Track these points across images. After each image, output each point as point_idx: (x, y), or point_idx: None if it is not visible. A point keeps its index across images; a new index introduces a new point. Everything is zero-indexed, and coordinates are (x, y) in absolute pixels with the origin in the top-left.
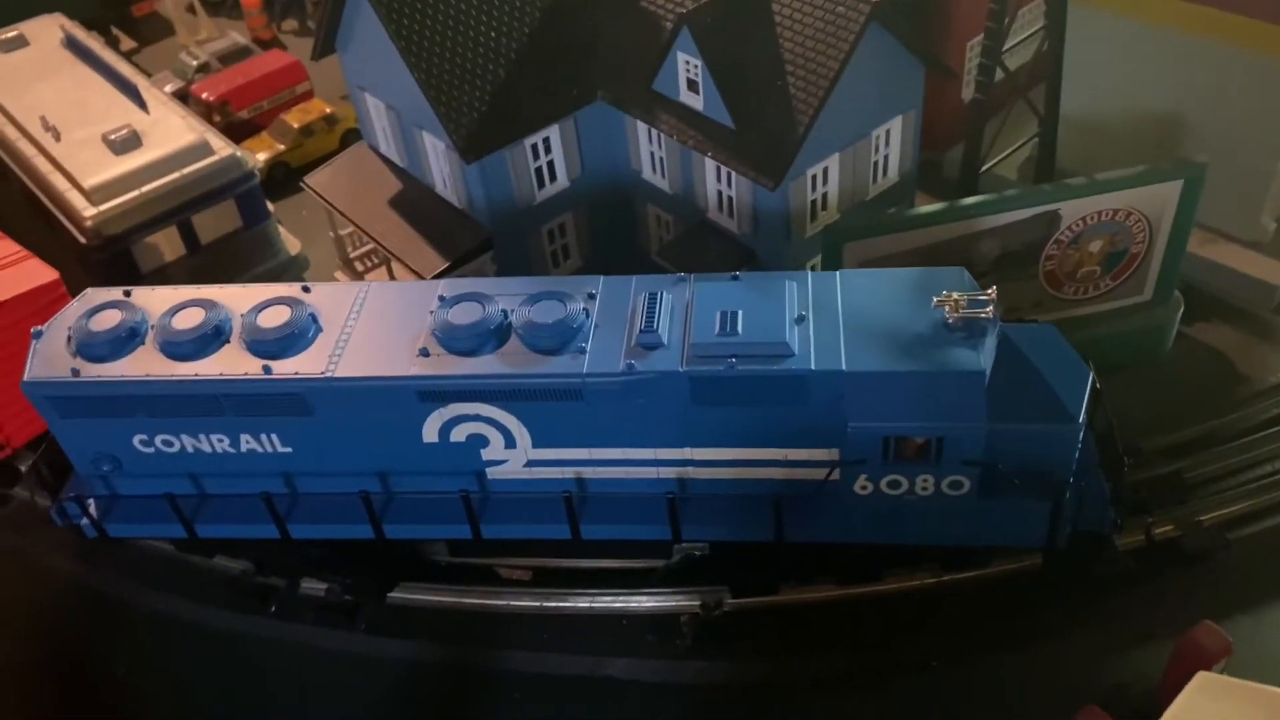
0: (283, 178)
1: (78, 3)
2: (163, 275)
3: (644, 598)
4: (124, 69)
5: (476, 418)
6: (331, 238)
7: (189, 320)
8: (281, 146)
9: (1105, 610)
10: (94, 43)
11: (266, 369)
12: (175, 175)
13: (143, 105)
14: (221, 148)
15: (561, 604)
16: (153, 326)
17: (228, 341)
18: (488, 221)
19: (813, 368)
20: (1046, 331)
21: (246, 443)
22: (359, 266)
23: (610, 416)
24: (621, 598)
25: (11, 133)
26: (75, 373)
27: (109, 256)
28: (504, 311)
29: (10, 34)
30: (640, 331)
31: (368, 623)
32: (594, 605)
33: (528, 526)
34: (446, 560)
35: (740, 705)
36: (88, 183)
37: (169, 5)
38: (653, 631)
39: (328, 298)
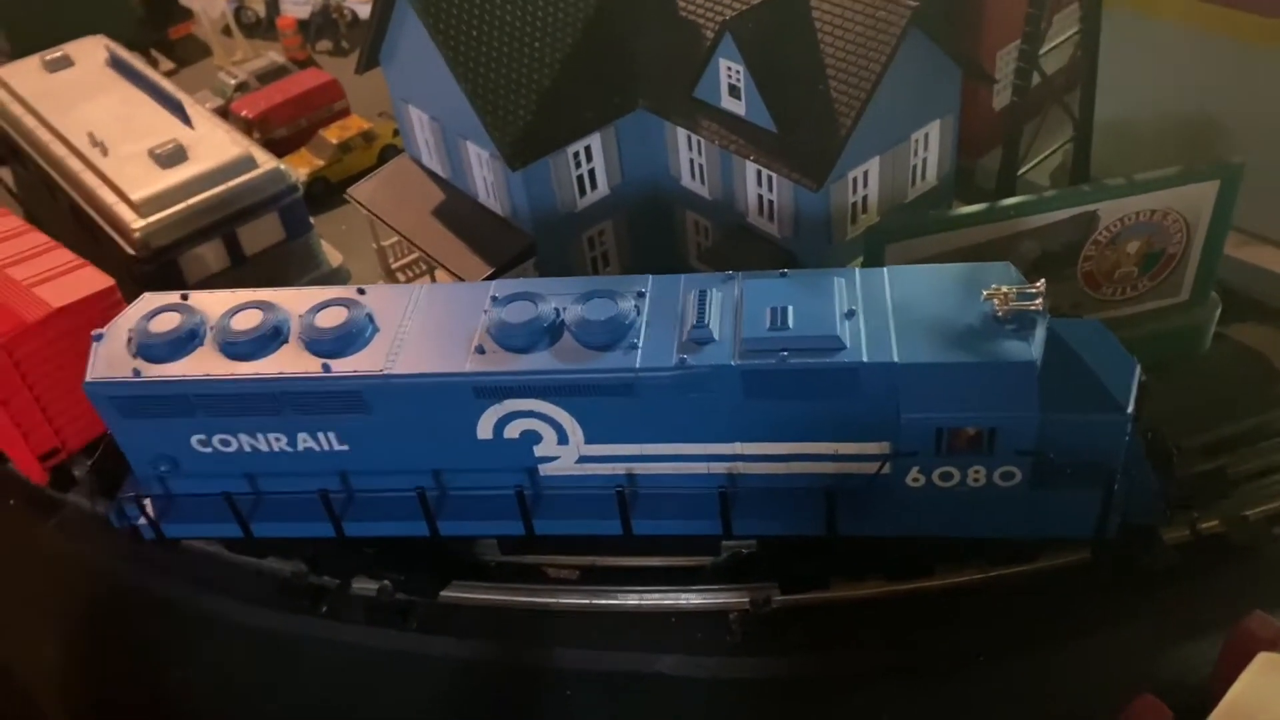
0: (322, 193)
1: (117, 25)
2: (208, 287)
3: (693, 594)
4: (168, 86)
5: (530, 414)
6: (374, 249)
7: (248, 321)
8: (320, 162)
9: (1153, 604)
10: (138, 62)
11: (325, 367)
12: (221, 188)
13: (187, 121)
14: (265, 161)
15: (611, 601)
16: (212, 328)
17: (286, 342)
18: (531, 228)
19: (865, 359)
20: (1092, 326)
21: (303, 441)
22: (401, 277)
23: (662, 411)
24: (671, 594)
25: (59, 150)
26: (136, 373)
27: (156, 268)
28: (556, 309)
29: (56, 55)
30: (692, 327)
31: (419, 622)
32: (643, 602)
33: (580, 522)
34: (497, 560)
35: (790, 701)
36: (136, 195)
37: (206, 28)
38: (702, 628)
39: (382, 299)
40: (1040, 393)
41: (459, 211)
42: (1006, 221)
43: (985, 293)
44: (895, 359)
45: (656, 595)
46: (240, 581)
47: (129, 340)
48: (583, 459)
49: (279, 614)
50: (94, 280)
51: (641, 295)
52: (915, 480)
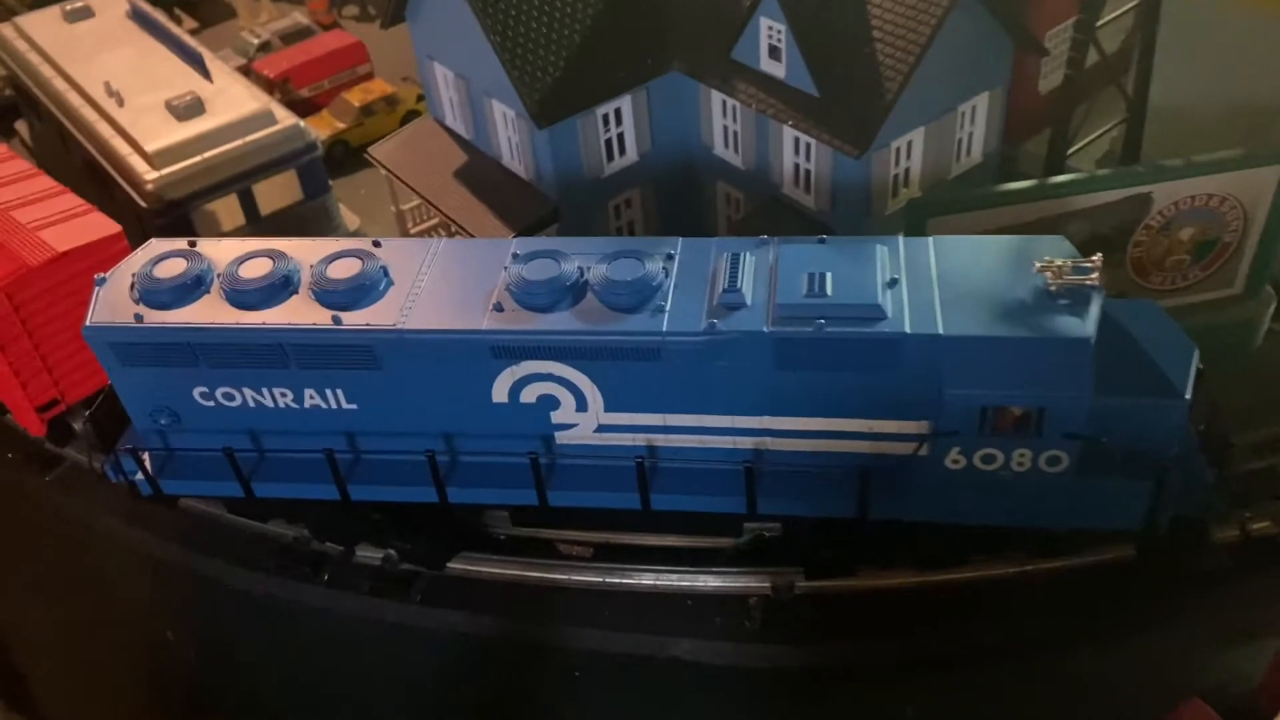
0: (342, 156)
1: None
2: None
3: (711, 577)
4: (188, 39)
5: (549, 377)
6: (393, 212)
7: (257, 269)
8: (342, 125)
9: (1201, 605)
10: (159, 14)
11: (336, 319)
12: (238, 142)
13: (206, 74)
14: (284, 117)
15: (625, 580)
16: (219, 275)
17: (296, 292)
18: (555, 193)
19: (907, 331)
20: (1148, 307)
21: (310, 398)
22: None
23: (688, 379)
24: (688, 576)
25: (75, 100)
26: (139, 318)
27: (168, 222)
28: (580, 269)
29: (77, 5)
30: (723, 291)
31: (424, 594)
32: (659, 583)
33: (597, 495)
34: (507, 533)
35: (809, 691)
36: (150, 147)
37: None
38: (720, 612)
39: (398, 252)
40: (1093, 374)
41: (481, 174)
42: (1055, 200)
43: (1038, 265)
44: (940, 331)
45: (673, 576)
46: (240, 545)
47: (132, 285)
48: (602, 428)
49: (279, 580)
50: (101, 225)
51: (670, 257)
52: (955, 462)
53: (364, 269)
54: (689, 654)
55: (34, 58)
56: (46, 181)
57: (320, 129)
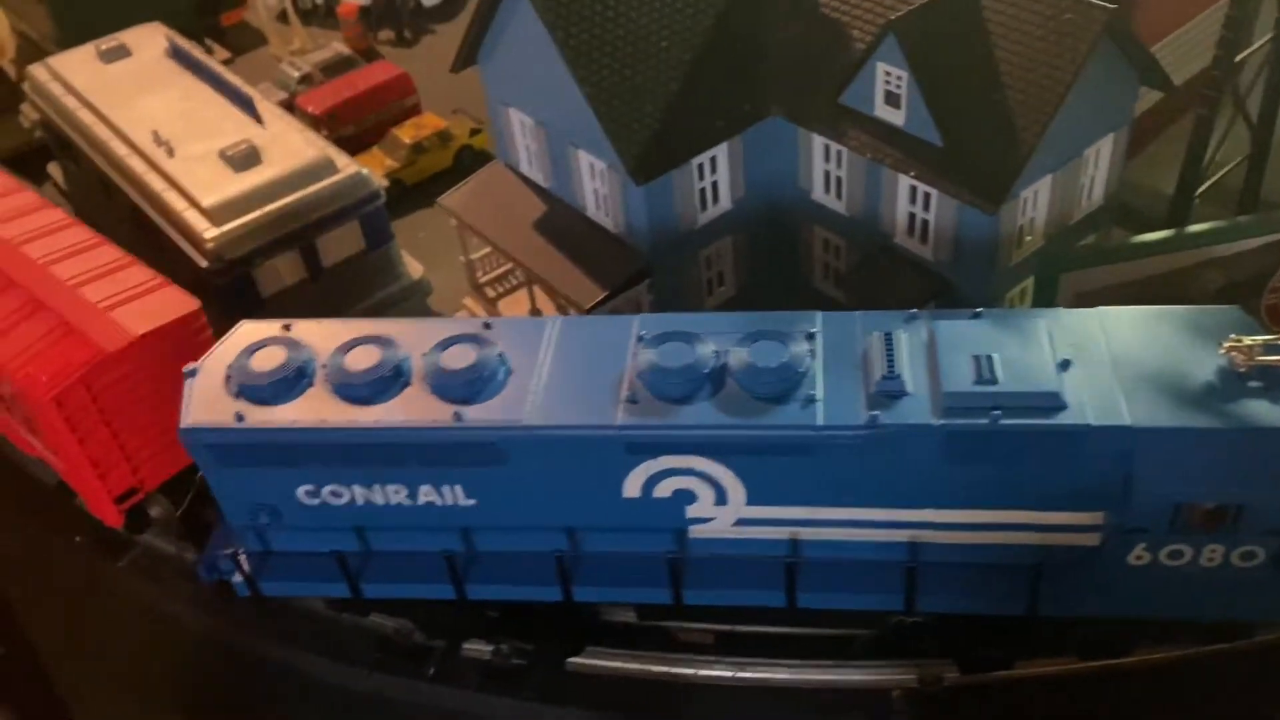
0: (394, 196)
1: (170, 11)
2: (283, 300)
3: (852, 669)
4: (234, 80)
5: (686, 471)
6: (462, 262)
7: (364, 359)
8: (394, 164)
9: None
10: (200, 52)
11: (458, 416)
12: (299, 194)
13: (257, 118)
14: (345, 165)
15: (758, 674)
16: (323, 365)
17: (408, 384)
18: (648, 247)
19: (1092, 423)
20: None
21: (426, 495)
22: (490, 292)
23: (843, 473)
24: (827, 669)
25: (119, 147)
26: (240, 418)
27: (230, 280)
28: (716, 353)
29: (112, 44)
30: (881, 379)
31: (539, 689)
32: (795, 677)
33: (735, 592)
34: (626, 622)
35: None
36: (208, 201)
37: (261, 14)
38: (860, 707)
39: (513, 335)
40: None
41: (564, 226)
42: (1194, 250)
43: (1225, 345)
44: (1128, 422)
45: (811, 669)
46: (335, 638)
47: (228, 379)
48: (742, 521)
49: (379, 675)
50: (177, 302)
51: (812, 336)
52: (1139, 559)
53: (480, 356)
54: None
55: (70, 100)
56: (112, 251)
57: (371, 167)
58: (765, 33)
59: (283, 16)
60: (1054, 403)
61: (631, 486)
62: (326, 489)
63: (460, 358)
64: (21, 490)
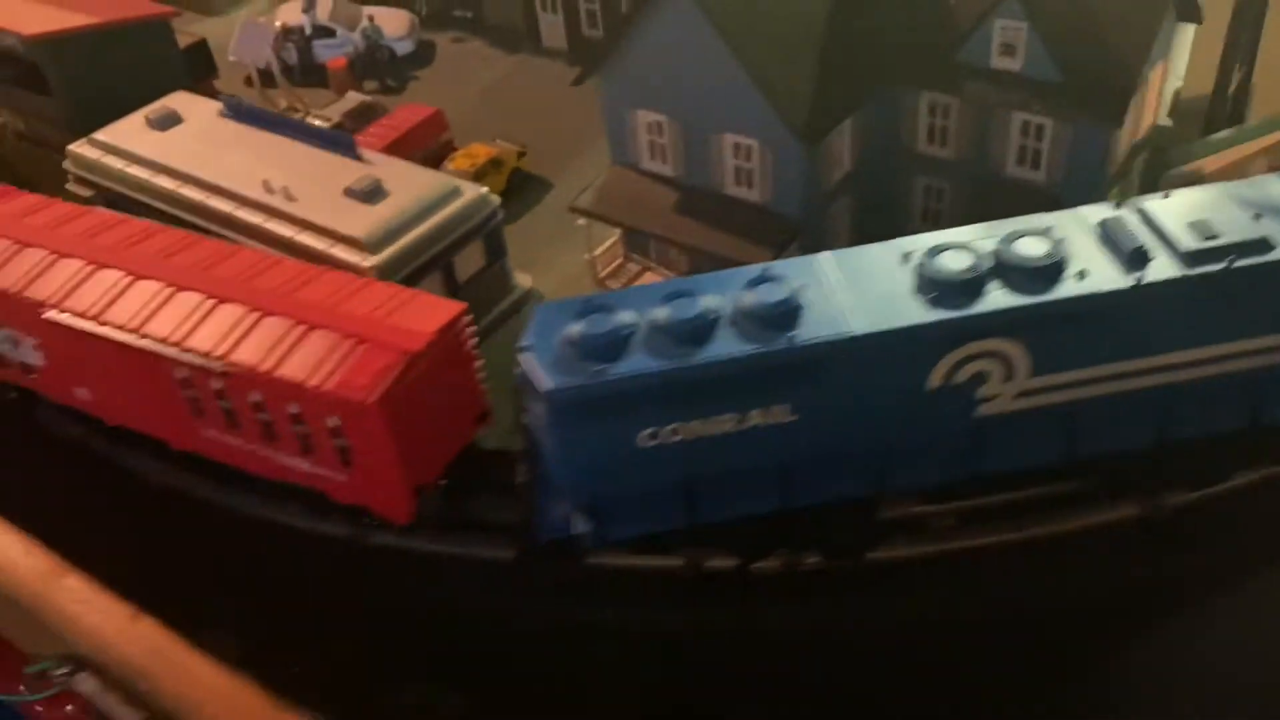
0: None
1: (166, 84)
2: None
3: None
4: (321, 125)
5: (982, 355)
6: (585, 259)
7: (683, 310)
8: None
9: None
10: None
11: (790, 338)
12: (438, 218)
13: (357, 156)
14: (469, 188)
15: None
16: (644, 321)
17: (729, 321)
18: (799, 211)
19: None
20: None
21: (753, 419)
22: (614, 284)
23: (1111, 331)
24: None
25: (223, 204)
26: (599, 373)
27: None
28: (991, 253)
29: (160, 112)
30: (1133, 250)
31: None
32: (1045, 531)
33: (1022, 457)
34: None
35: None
36: (359, 234)
37: (256, 80)
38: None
39: (794, 272)
40: None
41: (704, 205)
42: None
43: None
44: None
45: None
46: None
47: (568, 344)
48: (1023, 393)
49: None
50: (441, 305)
51: (1050, 229)
52: None
53: (789, 290)
54: None
55: (138, 170)
56: (299, 265)
57: None
58: (875, 10)
59: (269, 80)
60: (1268, 245)
61: (936, 377)
62: (666, 429)
63: (771, 293)
64: None
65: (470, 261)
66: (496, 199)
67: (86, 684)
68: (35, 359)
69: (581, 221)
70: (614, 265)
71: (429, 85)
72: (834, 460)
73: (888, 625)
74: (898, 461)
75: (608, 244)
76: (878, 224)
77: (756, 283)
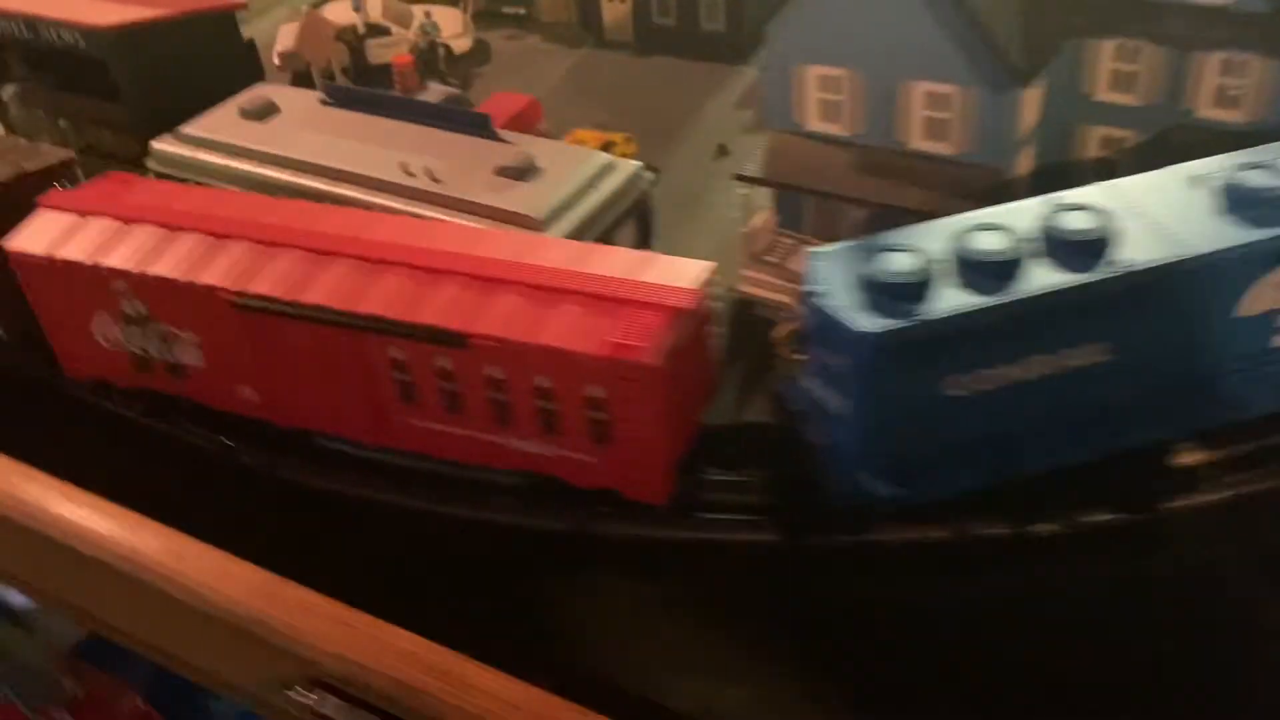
0: None
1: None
2: None
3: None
4: (441, 102)
5: None
6: (743, 233)
7: (992, 241)
8: None
9: None
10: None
11: (1114, 264)
12: (604, 192)
13: (494, 135)
14: (623, 162)
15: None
16: (946, 253)
17: (1040, 255)
18: (1001, 161)
19: None
20: None
21: (1069, 358)
22: (770, 259)
23: None
24: None
25: (353, 192)
26: (912, 314)
27: None
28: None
29: (255, 101)
30: None
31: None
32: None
33: None
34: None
35: None
36: (530, 211)
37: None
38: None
39: (1084, 200)
40: None
41: (890, 162)
42: None
43: None
44: None
45: None
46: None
47: (867, 286)
48: None
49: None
50: (687, 265)
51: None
52: None
53: (1097, 222)
54: None
55: (242, 163)
56: (526, 234)
57: None
58: None
59: (345, 73)
60: None
61: (1247, 304)
62: (976, 375)
63: (1083, 220)
64: None
65: (625, 240)
66: (650, 174)
67: (329, 705)
68: (192, 358)
69: (743, 190)
70: (768, 241)
71: (493, 82)
72: (1149, 402)
73: (1186, 580)
74: (1199, 401)
75: (759, 219)
76: (1047, 177)
77: (1058, 212)
